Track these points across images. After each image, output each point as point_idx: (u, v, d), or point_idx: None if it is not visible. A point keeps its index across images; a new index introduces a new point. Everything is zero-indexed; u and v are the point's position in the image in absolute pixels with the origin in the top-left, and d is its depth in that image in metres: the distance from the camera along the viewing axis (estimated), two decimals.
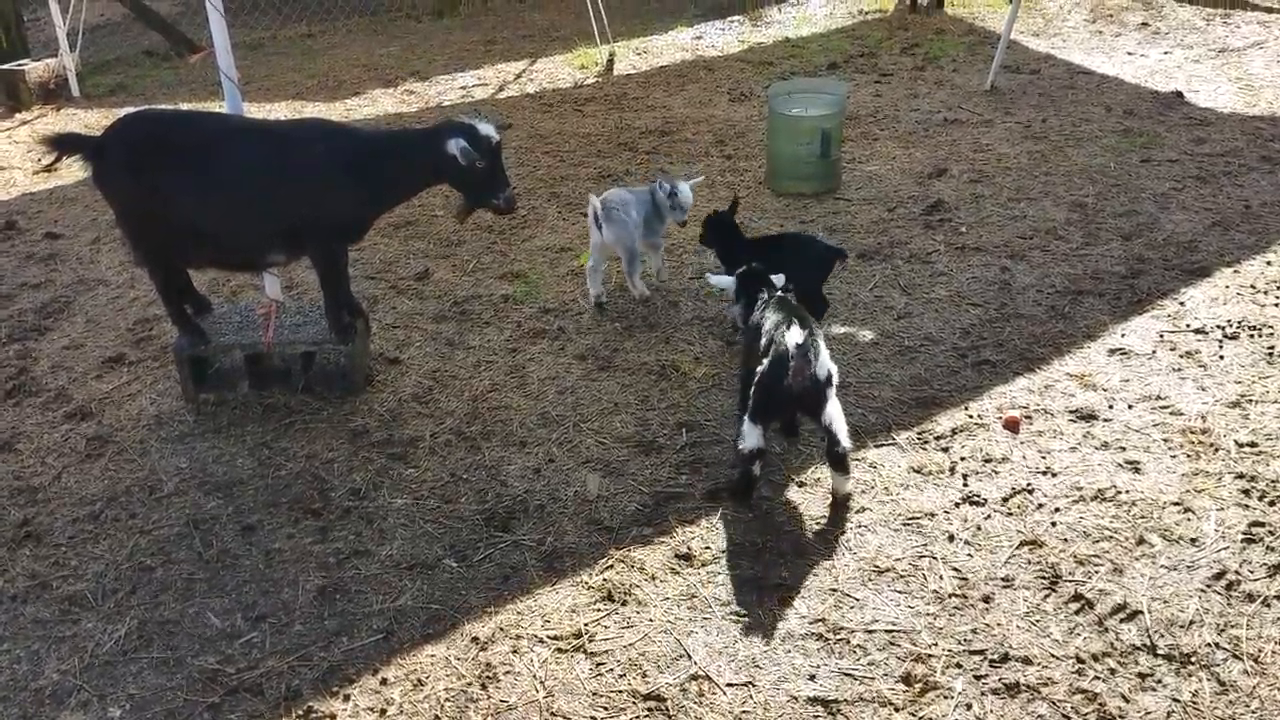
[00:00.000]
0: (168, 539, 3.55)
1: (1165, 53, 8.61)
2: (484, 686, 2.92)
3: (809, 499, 3.60)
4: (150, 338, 4.86)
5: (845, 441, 3.44)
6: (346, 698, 2.91)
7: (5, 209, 6.42)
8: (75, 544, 3.56)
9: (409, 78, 8.90)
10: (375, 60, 9.51)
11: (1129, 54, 8.63)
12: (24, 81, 8.34)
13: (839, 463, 3.46)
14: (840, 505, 3.54)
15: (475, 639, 3.08)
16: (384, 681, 2.95)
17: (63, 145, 3.89)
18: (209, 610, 3.24)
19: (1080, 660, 2.89)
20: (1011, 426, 3.91)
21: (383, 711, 2.87)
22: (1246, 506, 3.44)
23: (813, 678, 2.89)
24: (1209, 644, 2.92)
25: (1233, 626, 2.97)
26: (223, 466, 3.92)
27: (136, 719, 2.88)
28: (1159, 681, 2.82)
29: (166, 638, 3.14)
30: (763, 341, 3.54)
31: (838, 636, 3.01)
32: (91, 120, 7.97)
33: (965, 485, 3.62)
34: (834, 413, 3.44)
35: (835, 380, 3.48)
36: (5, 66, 8.46)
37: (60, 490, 3.84)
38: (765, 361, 3.44)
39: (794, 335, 3.39)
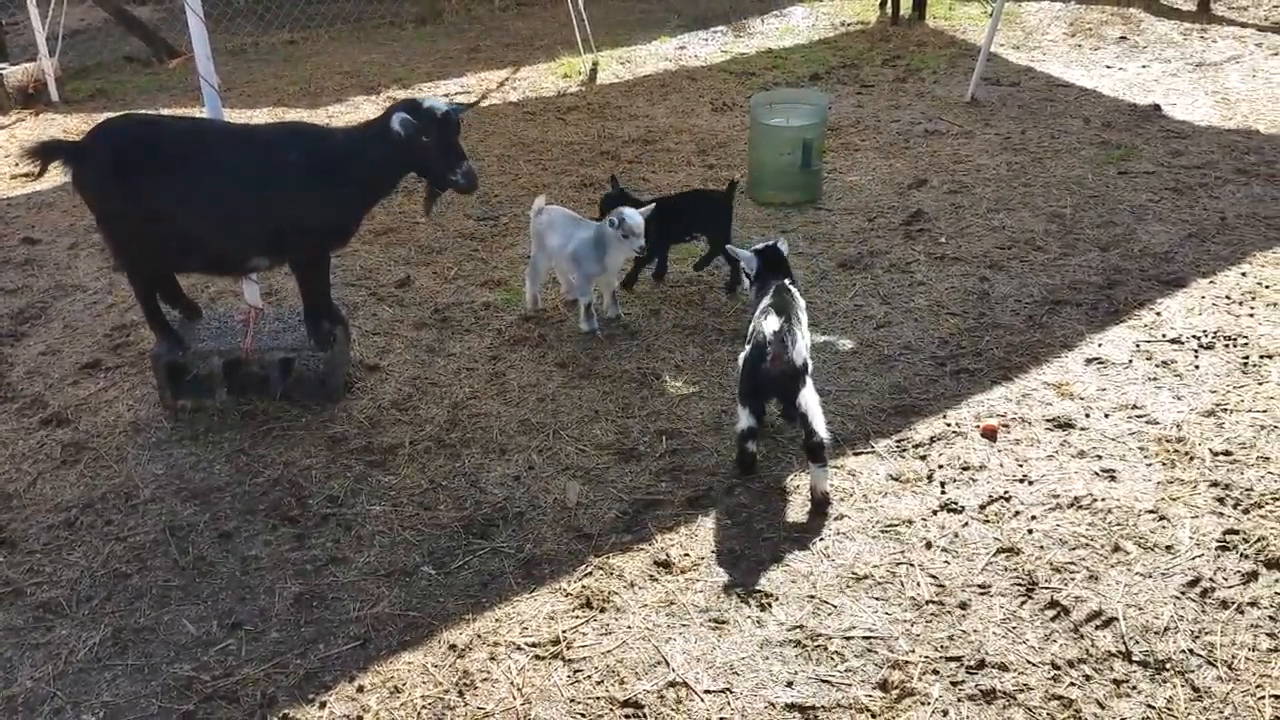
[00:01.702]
0: (144, 546, 3.53)
1: (1143, 66, 8.71)
2: (461, 694, 2.91)
3: (788, 506, 3.61)
4: (128, 344, 4.82)
5: (822, 431, 3.49)
6: (323, 705, 2.89)
7: None
8: (50, 551, 3.52)
9: (392, 85, 8.89)
10: (358, 67, 9.50)
11: (1107, 67, 8.73)
12: (3, 86, 8.28)
13: (816, 453, 3.50)
14: (819, 507, 3.56)
15: (453, 646, 3.07)
16: (361, 689, 2.94)
17: (45, 153, 3.88)
18: (184, 617, 3.21)
19: (1056, 666, 2.91)
20: (989, 435, 3.94)
21: (359, 719, 2.85)
22: (1221, 514, 3.47)
23: (790, 684, 2.89)
24: (1184, 650, 2.94)
25: (1207, 633, 3.00)
26: (200, 473, 3.89)
27: None
28: (1134, 688, 2.84)
29: (141, 645, 3.11)
30: (749, 328, 3.77)
31: (815, 643, 3.02)
32: (71, 125, 7.93)
33: (943, 493, 3.64)
34: (809, 400, 3.52)
35: (810, 368, 3.63)
36: None
37: (35, 496, 3.80)
38: (747, 347, 3.64)
39: (771, 323, 3.57)
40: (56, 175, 6.26)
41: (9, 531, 3.61)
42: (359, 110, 8.24)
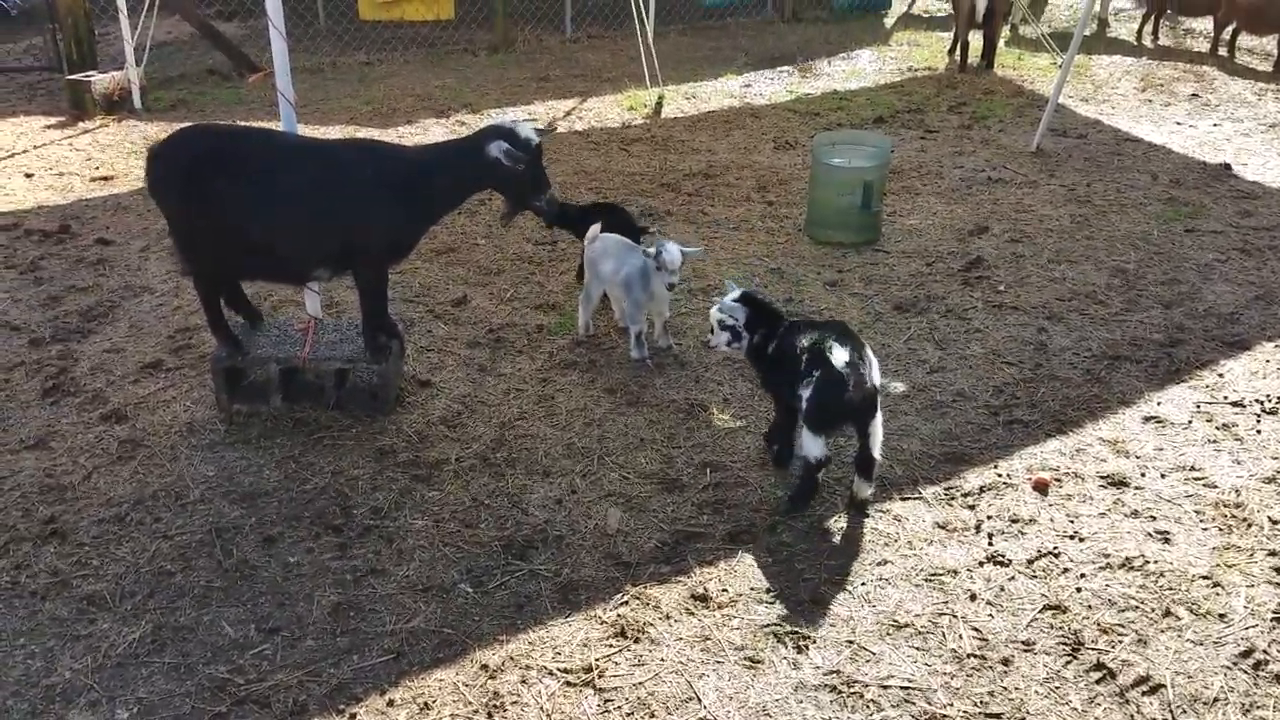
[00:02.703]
0: (189, 545, 3.59)
1: (1215, 125, 8.57)
2: (490, 715, 2.90)
3: (831, 548, 3.56)
4: (189, 346, 4.94)
5: (879, 453, 3.65)
6: (352, 717, 2.90)
7: (62, 213, 6.59)
8: (99, 544, 3.60)
9: (461, 109, 9.05)
10: (429, 91, 9.70)
11: (1178, 124, 8.60)
12: (90, 92, 8.59)
13: (868, 469, 3.66)
14: (859, 508, 3.71)
15: (485, 666, 3.06)
16: (391, 703, 2.94)
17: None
18: (224, 619, 3.25)
19: None
20: (1040, 488, 3.86)
21: None
22: (1278, 585, 3.35)
23: None
24: None
25: (1259, 707, 2.89)
26: (249, 477, 3.95)
27: None
28: None
29: (180, 644, 3.16)
30: (804, 360, 3.63)
31: (852, 690, 2.97)
32: (151, 133, 8.18)
33: (990, 544, 3.57)
34: (878, 424, 3.64)
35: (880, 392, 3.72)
36: (74, 77, 8.72)
37: (89, 490, 3.89)
38: (817, 376, 3.55)
39: (840, 354, 3.56)
40: (133, 180, 6.44)
41: (61, 523, 3.69)
42: (428, 132, 8.40)
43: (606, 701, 2.94)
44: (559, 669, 3.06)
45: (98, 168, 7.36)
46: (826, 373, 3.54)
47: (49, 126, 8.46)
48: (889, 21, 13.30)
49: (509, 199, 4.21)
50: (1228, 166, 7.45)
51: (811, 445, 3.62)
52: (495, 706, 2.93)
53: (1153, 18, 11.79)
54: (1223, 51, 10.88)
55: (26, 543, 3.59)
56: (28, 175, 7.30)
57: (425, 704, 2.94)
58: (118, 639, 3.17)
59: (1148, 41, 11.71)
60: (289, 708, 2.92)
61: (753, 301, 3.94)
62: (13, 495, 3.84)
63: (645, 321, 4.73)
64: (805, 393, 3.57)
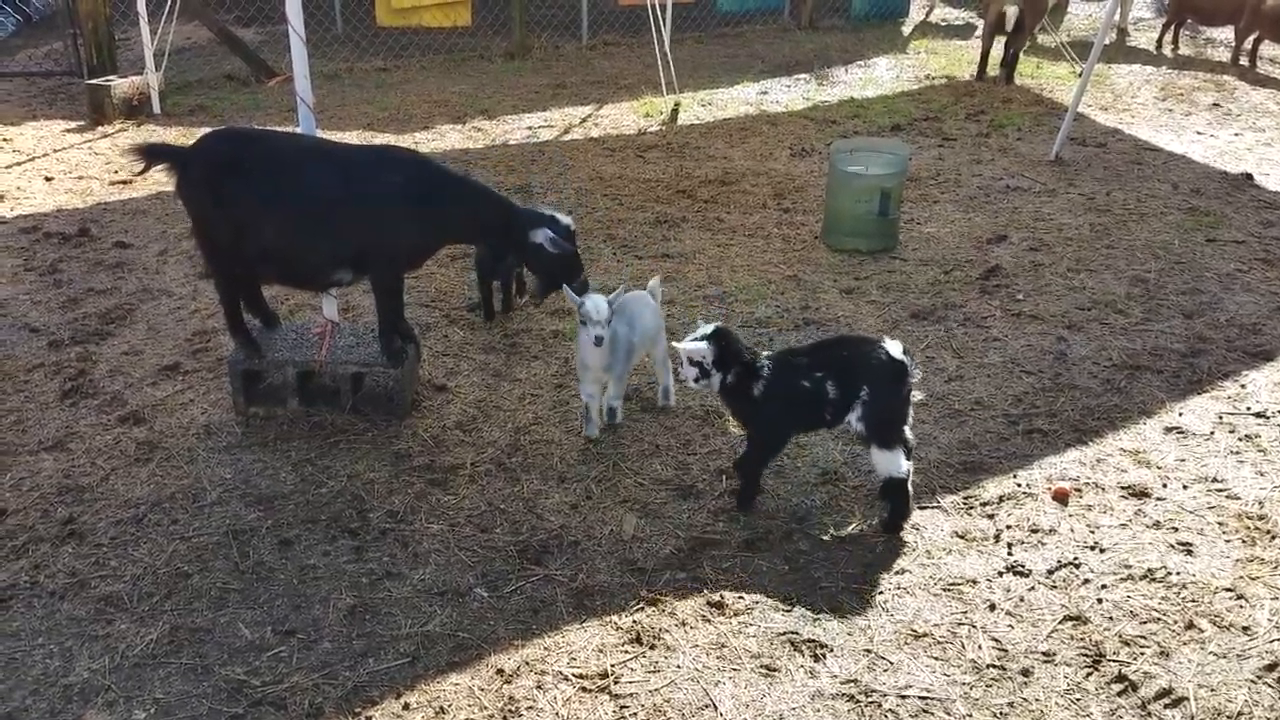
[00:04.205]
0: (206, 547, 3.59)
1: (1236, 134, 8.51)
2: None
3: (848, 556, 3.54)
4: (207, 349, 4.95)
5: (912, 439, 3.74)
6: (368, 719, 2.89)
7: (81, 216, 6.63)
8: (116, 545, 3.60)
9: (477, 115, 9.08)
10: (446, 97, 9.73)
11: (1198, 133, 8.55)
12: (109, 96, 8.65)
13: (909, 453, 3.68)
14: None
15: (500, 671, 3.05)
16: (406, 706, 2.93)
17: (152, 155, 4.04)
18: (240, 621, 3.25)
19: None
20: (1060, 498, 3.83)
21: None
22: None
23: None
24: None
25: None
26: (266, 480, 3.96)
27: None
28: None
29: (196, 645, 3.16)
30: (836, 387, 3.56)
31: (869, 699, 2.94)
32: (169, 137, 8.22)
33: (1010, 554, 3.54)
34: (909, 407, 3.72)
35: None
36: (94, 81, 8.79)
37: (107, 491, 3.90)
38: (871, 388, 3.52)
39: (895, 347, 3.56)
40: (152, 184, 6.48)
41: (79, 524, 3.70)
42: (444, 138, 8.43)
43: (622, 708, 2.92)
44: (574, 674, 3.04)
45: (116, 171, 7.41)
46: (881, 388, 3.52)
47: (69, 130, 8.52)
48: (906, 29, 13.29)
49: (543, 281, 4.38)
50: (1249, 176, 7.41)
51: (893, 462, 3.53)
52: (510, 711, 2.91)
53: (1173, 27, 11.75)
54: (1244, 61, 10.84)
55: (45, 543, 3.60)
56: (48, 178, 7.36)
57: (440, 708, 2.93)
58: (135, 639, 3.17)
59: (1168, 51, 11.67)
60: (305, 710, 2.91)
61: (722, 340, 3.67)
62: (31, 496, 3.85)
63: (595, 386, 4.18)
64: (858, 414, 3.54)
